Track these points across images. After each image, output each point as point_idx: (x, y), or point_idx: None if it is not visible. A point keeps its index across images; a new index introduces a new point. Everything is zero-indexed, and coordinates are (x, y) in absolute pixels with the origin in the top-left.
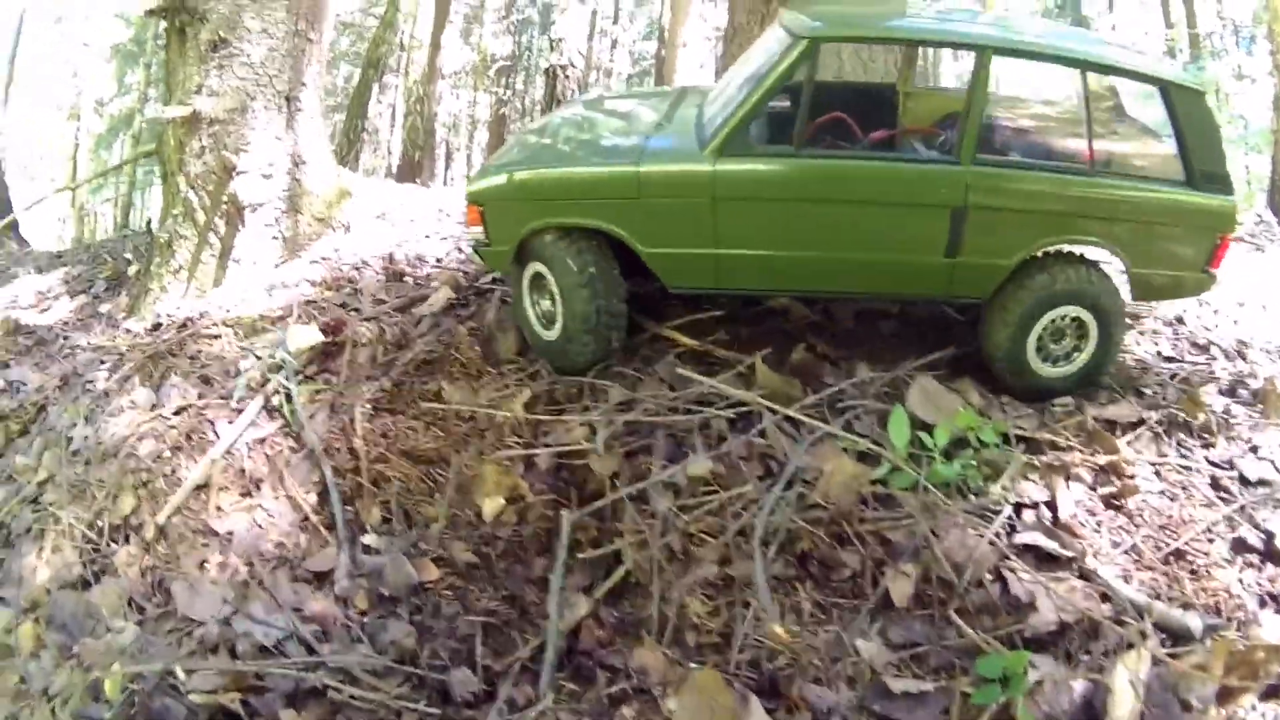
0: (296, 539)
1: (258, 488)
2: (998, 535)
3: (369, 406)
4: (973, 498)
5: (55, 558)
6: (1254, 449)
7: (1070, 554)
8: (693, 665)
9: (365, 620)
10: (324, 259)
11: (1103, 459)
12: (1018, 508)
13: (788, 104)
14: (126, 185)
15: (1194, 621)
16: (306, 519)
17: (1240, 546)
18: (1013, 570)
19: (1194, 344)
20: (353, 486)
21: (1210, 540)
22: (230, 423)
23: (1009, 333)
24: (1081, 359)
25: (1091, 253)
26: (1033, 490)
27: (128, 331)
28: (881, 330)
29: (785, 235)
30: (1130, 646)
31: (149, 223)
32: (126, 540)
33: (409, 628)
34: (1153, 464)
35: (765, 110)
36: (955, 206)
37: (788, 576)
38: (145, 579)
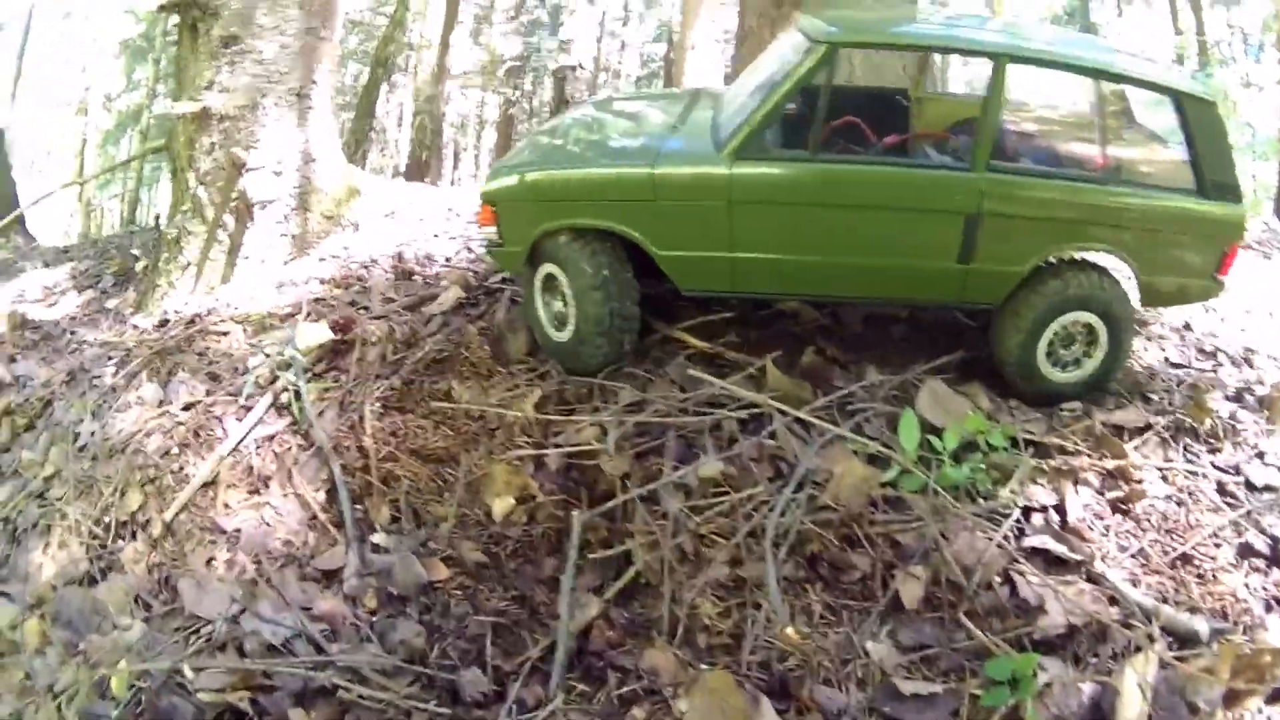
0: (305, 537)
1: (266, 485)
2: (1007, 538)
3: (378, 405)
4: (982, 501)
5: (61, 553)
6: (1260, 455)
7: (1079, 557)
8: (704, 666)
9: (374, 619)
10: (333, 257)
11: (1110, 463)
12: (1026, 511)
13: (799, 108)
14: (134, 181)
15: (1201, 625)
16: (315, 517)
17: (1246, 551)
18: (1022, 573)
19: (1201, 350)
20: (362, 485)
21: (1217, 545)
22: (239, 420)
23: (1020, 338)
24: (1091, 365)
25: (1102, 259)
26: (1041, 494)
27: (135, 327)
28: (890, 334)
29: (800, 239)
30: (1138, 649)
31: (157, 218)
32: (133, 537)
33: (418, 627)
34: (1160, 469)
35: (780, 115)
36: (969, 213)
37: (798, 578)
38: (152, 576)
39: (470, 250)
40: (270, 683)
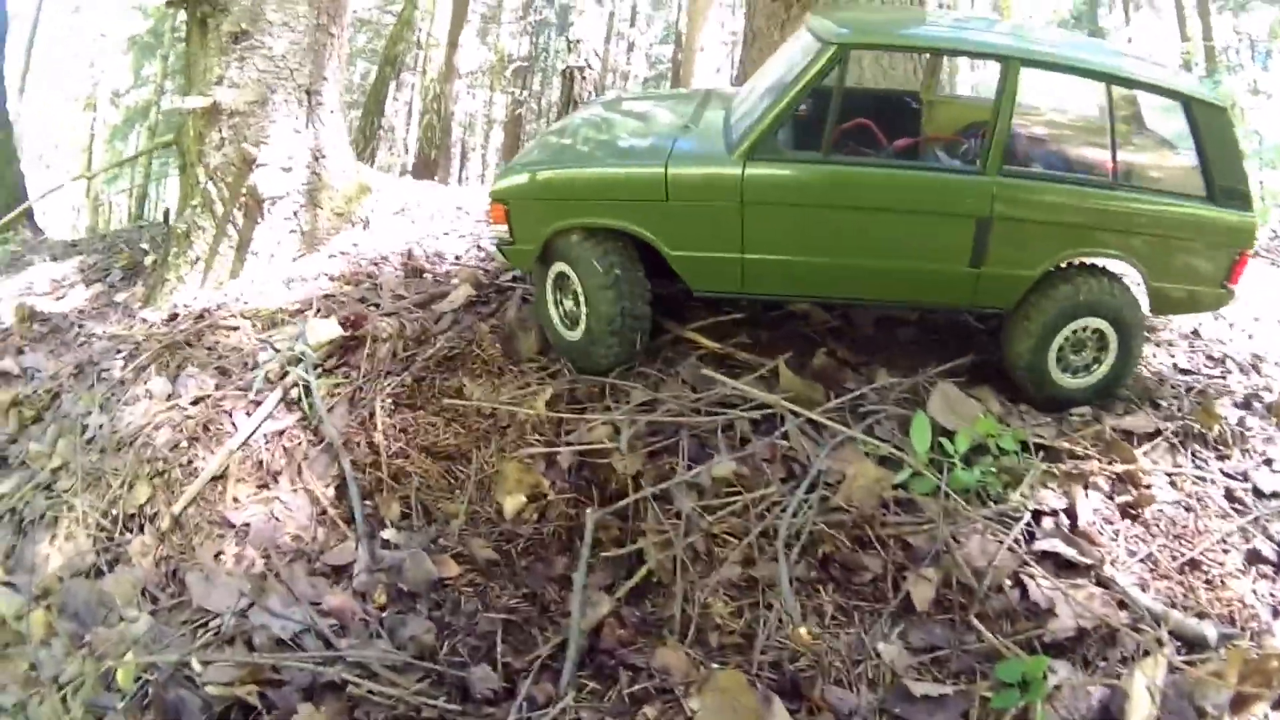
0: (314, 532)
1: (275, 480)
2: (1017, 541)
3: (389, 401)
4: (992, 504)
5: (68, 545)
6: (1268, 461)
7: (1088, 561)
8: (715, 665)
9: (384, 615)
10: (343, 253)
11: (1120, 468)
12: (1036, 515)
13: (811, 110)
14: (142, 176)
15: (1209, 630)
16: (325, 512)
17: (1254, 558)
18: (1032, 576)
19: (1209, 357)
20: (372, 481)
21: (1225, 551)
22: (248, 414)
23: (1031, 343)
24: (1101, 370)
25: (1112, 265)
26: (1051, 498)
27: (144, 321)
28: (900, 337)
29: (812, 241)
30: (1147, 653)
31: (166, 213)
32: (141, 530)
33: (428, 624)
34: (1168, 474)
35: (792, 116)
36: (981, 216)
37: (810, 579)
38: (159, 569)
39: (480, 248)
40: (279, 677)
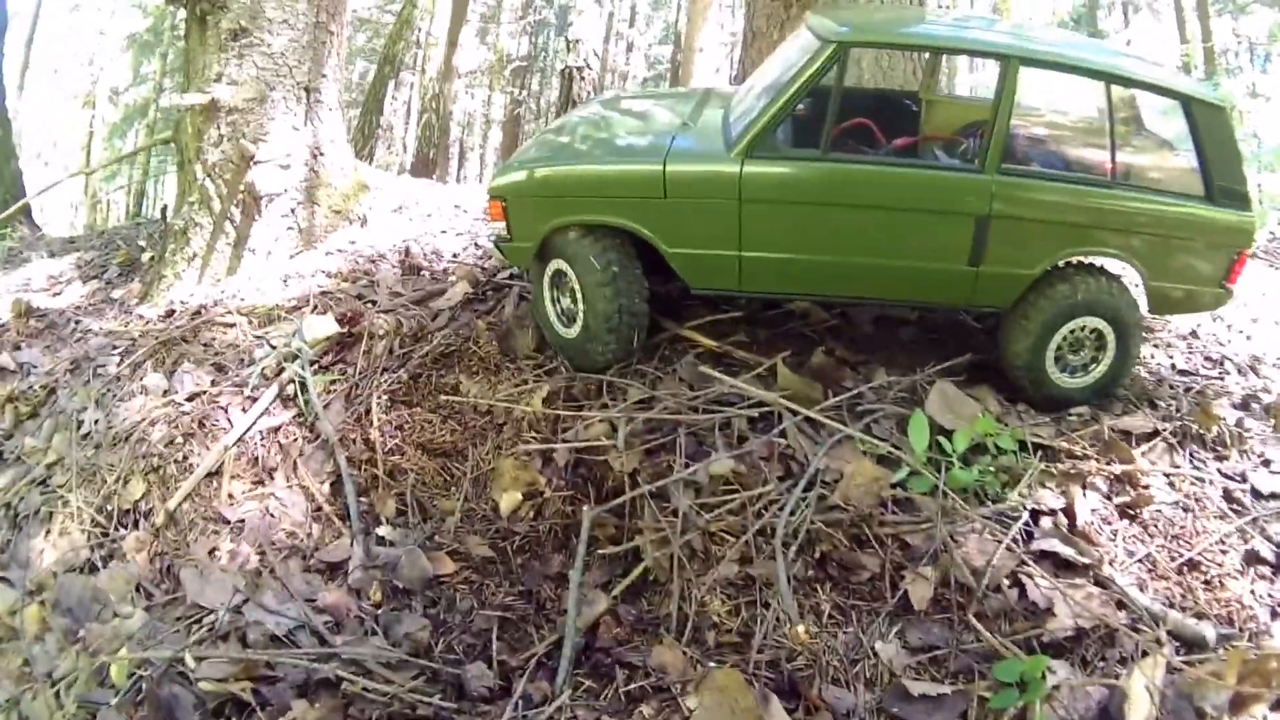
0: (309, 529)
1: (271, 476)
2: (1015, 541)
3: (385, 398)
4: (990, 503)
5: (63, 540)
6: (1266, 462)
7: (1087, 561)
8: (712, 664)
9: (379, 612)
10: (340, 251)
11: (1118, 468)
12: (1035, 514)
13: (810, 109)
14: (140, 173)
15: (1208, 631)
16: (320, 509)
17: (1252, 558)
18: (1030, 576)
19: (1208, 358)
20: (368, 478)
21: (1223, 551)
22: (244, 411)
23: (1029, 342)
24: (1099, 370)
25: (1110, 265)
26: (1049, 498)
27: (140, 317)
28: (899, 336)
29: (810, 239)
30: (1146, 654)
31: (164, 210)
32: (135, 525)
33: (423, 621)
34: (1167, 475)
35: (791, 114)
36: (979, 215)
37: (807, 577)
38: (154, 565)
39: (478, 246)
40: (273, 673)
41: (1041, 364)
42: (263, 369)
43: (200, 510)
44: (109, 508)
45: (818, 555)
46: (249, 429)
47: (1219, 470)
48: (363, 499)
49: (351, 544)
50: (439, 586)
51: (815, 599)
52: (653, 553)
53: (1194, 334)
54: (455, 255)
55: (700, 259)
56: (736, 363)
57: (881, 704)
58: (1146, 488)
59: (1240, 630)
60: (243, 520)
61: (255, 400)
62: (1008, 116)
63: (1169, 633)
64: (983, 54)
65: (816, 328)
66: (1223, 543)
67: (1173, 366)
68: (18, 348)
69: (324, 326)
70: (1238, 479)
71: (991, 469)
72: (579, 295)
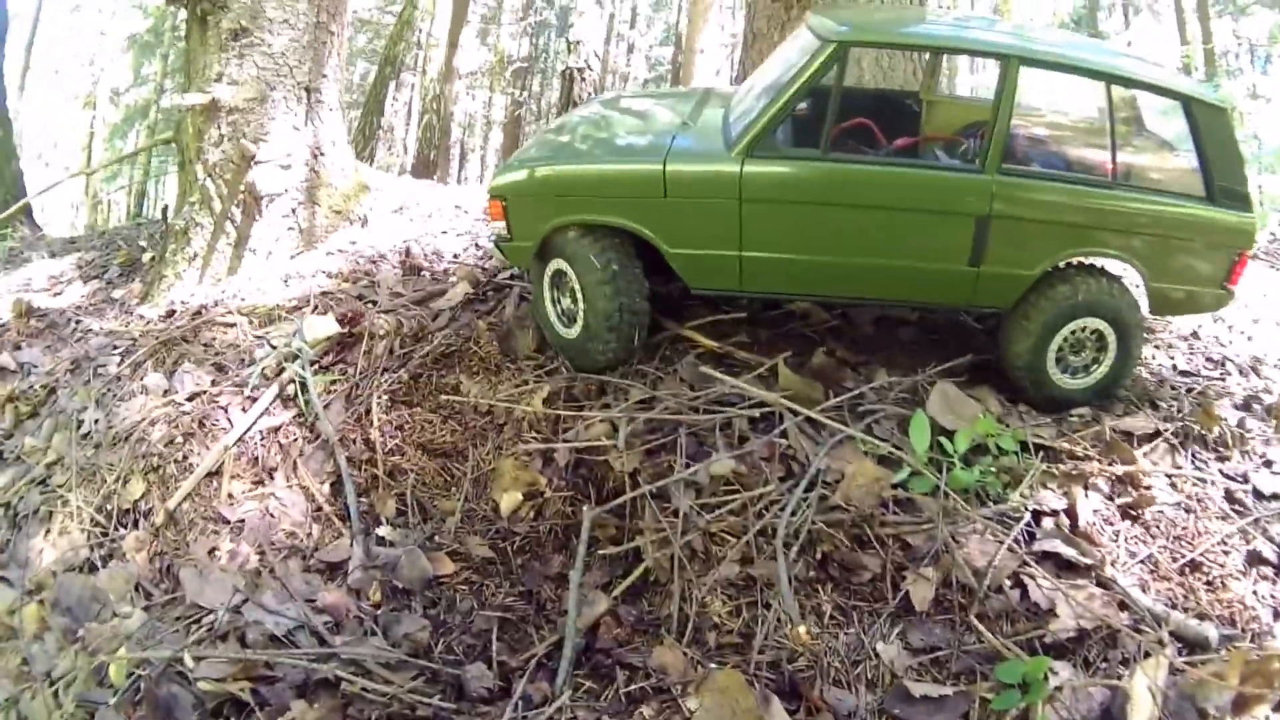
0: (309, 529)
1: (271, 476)
2: (1017, 542)
3: (385, 398)
4: (992, 504)
5: (62, 540)
6: (1268, 463)
7: (1089, 562)
8: (713, 665)
9: (379, 613)
10: (341, 251)
11: (1120, 469)
12: (1036, 515)
13: (808, 109)
14: (141, 174)
15: (1210, 631)
16: (320, 509)
17: (1255, 559)
18: (1032, 577)
19: (1209, 359)
20: (368, 478)
21: (1225, 552)
22: (244, 411)
23: (1030, 343)
24: (1100, 371)
25: (1112, 266)
26: (1051, 498)
27: (140, 317)
28: (900, 337)
29: (810, 239)
30: (1148, 654)
31: (165, 210)
32: (135, 525)
33: (423, 621)
34: (1168, 476)
35: (791, 114)
36: (980, 215)
37: (809, 578)
38: (153, 564)
39: (478, 247)
40: (272, 674)
41: (1043, 365)
42: (263, 369)
43: (200, 510)
44: (109, 507)
45: (819, 556)
46: (249, 429)
47: (1221, 471)
48: (363, 499)
49: (351, 544)
50: (439, 587)
51: (816, 599)
52: (653, 553)
53: (1195, 335)
54: (456, 256)
55: (700, 259)
56: (737, 363)
57: (883, 705)
58: (1148, 488)
59: (1243, 631)
60: (242, 520)
61: (255, 400)
62: (1008, 116)
63: (1171, 634)
64: (983, 54)
65: (817, 328)
66: (1225, 543)
67: (1174, 367)
68: (18, 347)
69: (324, 326)
70: (1239, 480)
71: (993, 469)
72: (579, 295)
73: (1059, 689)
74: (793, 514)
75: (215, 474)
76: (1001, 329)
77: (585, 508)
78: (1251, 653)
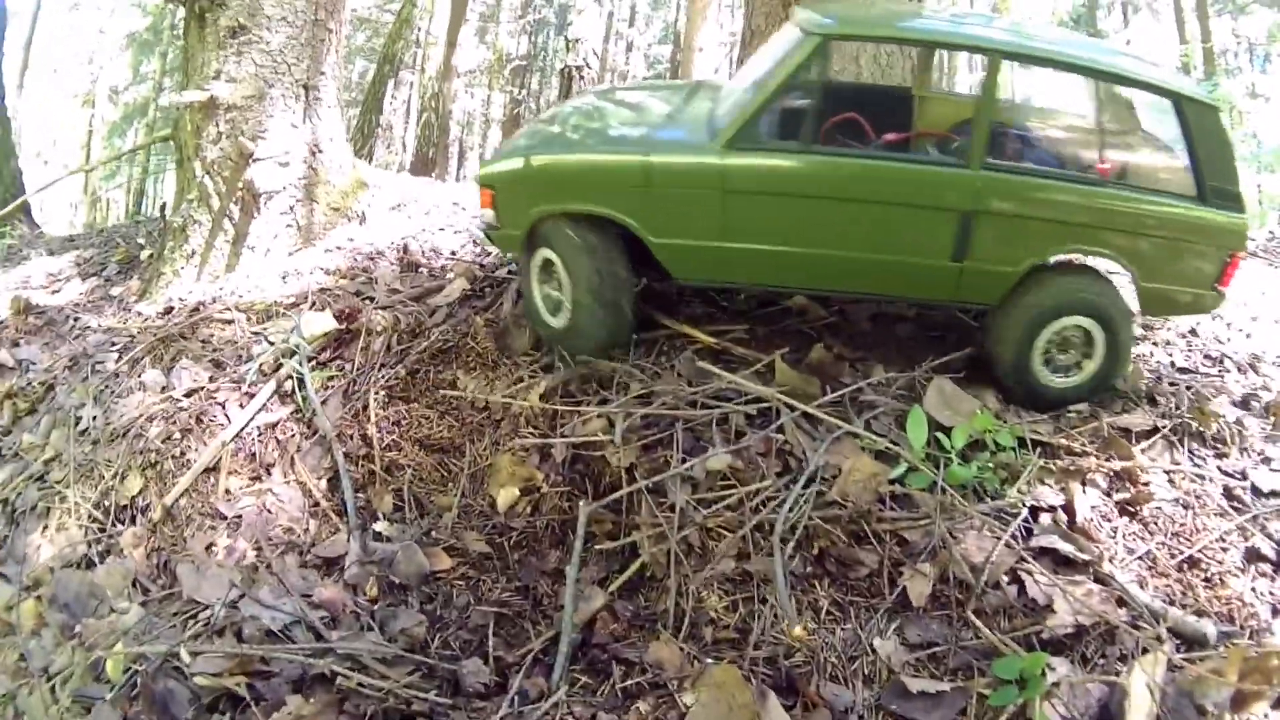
0: (306, 524)
1: (268, 472)
2: (1015, 537)
3: (383, 394)
4: (989, 500)
5: (60, 536)
6: (1266, 460)
7: (1087, 558)
8: (709, 660)
9: (375, 608)
10: (339, 248)
11: (1118, 465)
12: (1034, 511)
13: (804, 102)
14: (139, 171)
15: (1208, 628)
16: (317, 505)
17: (1253, 556)
18: (1030, 573)
19: (1207, 356)
20: (365, 473)
21: (1224, 549)
22: (241, 407)
23: (1015, 341)
24: (1089, 370)
25: (1098, 263)
26: (1049, 494)
27: (139, 314)
28: (897, 333)
29: (793, 231)
30: (1146, 651)
31: (163, 207)
32: (133, 521)
33: (420, 616)
34: (1167, 472)
35: (778, 106)
36: (964, 210)
37: (805, 574)
38: (151, 560)
39: (476, 244)
40: (268, 669)
41: (1028, 363)
42: (260, 365)
43: (197, 506)
44: (106, 503)
45: (816, 551)
46: (246, 425)
47: (1219, 468)
48: (360, 494)
49: (348, 539)
50: (435, 582)
51: (813, 595)
52: (650, 548)
53: (1194, 332)
54: (453, 252)
55: (684, 249)
56: (735, 359)
57: (880, 701)
58: (1146, 485)
59: (1241, 628)
60: (240, 516)
61: (253, 396)
62: (991, 111)
63: (1169, 630)
64: (966, 48)
65: (815, 324)
66: (1223, 540)
67: (1172, 364)
68: (16, 344)
69: (322, 323)
70: (1238, 476)
71: (990, 465)
72: (564, 274)
73: (1057, 685)
74: (789, 509)
75: (213, 470)
76: (987, 327)
77: (582, 503)
78: (1250, 649)
